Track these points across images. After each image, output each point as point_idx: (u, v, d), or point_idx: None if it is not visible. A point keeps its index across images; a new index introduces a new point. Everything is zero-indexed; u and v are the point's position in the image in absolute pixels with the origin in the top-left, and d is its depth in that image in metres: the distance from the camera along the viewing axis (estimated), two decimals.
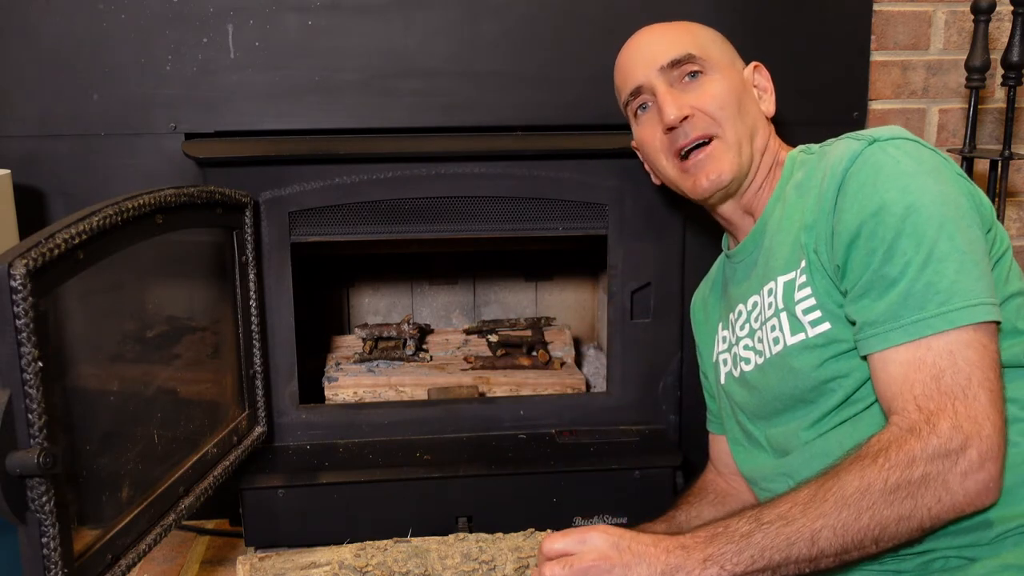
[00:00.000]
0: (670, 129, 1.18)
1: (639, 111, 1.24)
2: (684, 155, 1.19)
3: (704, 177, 1.17)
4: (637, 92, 1.22)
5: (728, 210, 1.22)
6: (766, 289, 1.14)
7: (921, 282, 0.97)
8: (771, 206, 1.18)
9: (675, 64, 1.18)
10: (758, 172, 1.19)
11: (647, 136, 1.23)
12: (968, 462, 0.92)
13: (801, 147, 1.20)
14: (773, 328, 1.12)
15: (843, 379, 1.06)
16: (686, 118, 1.17)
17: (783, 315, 1.10)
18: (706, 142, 1.18)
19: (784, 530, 0.94)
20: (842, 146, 1.06)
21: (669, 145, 1.20)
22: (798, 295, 1.09)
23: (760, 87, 1.24)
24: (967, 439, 0.92)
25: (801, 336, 1.08)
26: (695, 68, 1.18)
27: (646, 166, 1.32)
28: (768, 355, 1.14)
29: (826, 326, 1.06)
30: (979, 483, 0.93)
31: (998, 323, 0.98)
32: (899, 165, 1.01)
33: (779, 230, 1.13)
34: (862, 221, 1.00)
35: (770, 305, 1.13)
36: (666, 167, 1.22)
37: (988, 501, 0.95)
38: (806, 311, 1.08)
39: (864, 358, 1.03)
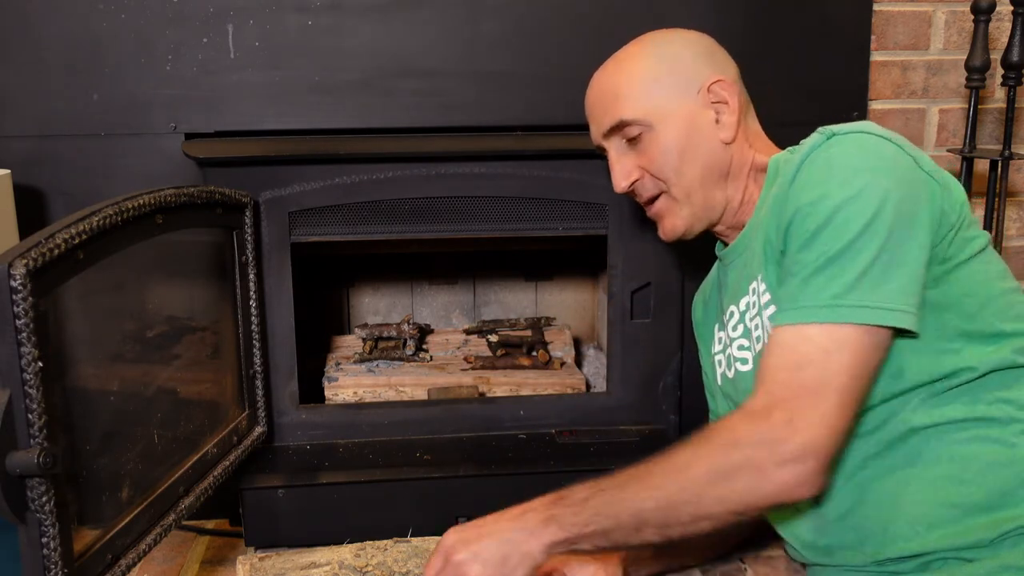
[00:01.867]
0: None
1: None
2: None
3: (661, 231, 1.26)
4: (600, 149, 1.28)
5: (718, 231, 1.26)
6: (751, 288, 1.15)
7: (825, 273, 0.97)
8: (758, 210, 1.18)
9: (613, 131, 1.22)
10: (730, 200, 1.21)
11: None
12: (786, 453, 0.94)
13: (788, 148, 1.20)
14: (757, 327, 1.13)
15: None
16: (636, 180, 1.22)
17: (765, 313, 1.11)
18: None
19: (617, 495, 1.00)
20: (807, 141, 1.07)
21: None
22: (761, 288, 1.11)
23: (720, 100, 1.19)
24: (794, 432, 0.94)
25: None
26: (632, 133, 1.20)
27: None
28: (754, 354, 1.15)
29: None
30: (794, 475, 0.95)
31: (898, 330, 0.98)
32: (849, 159, 1.01)
33: (759, 229, 1.14)
34: (798, 208, 1.01)
35: (754, 304, 1.14)
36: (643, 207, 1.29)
37: (804, 494, 0.97)
38: (764, 306, 1.10)
39: None
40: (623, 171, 1.22)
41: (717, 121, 1.19)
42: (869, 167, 1.00)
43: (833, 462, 0.98)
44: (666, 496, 0.98)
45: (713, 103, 1.19)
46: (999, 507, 0.98)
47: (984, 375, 1.01)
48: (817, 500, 1.08)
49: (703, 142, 1.19)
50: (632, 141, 1.21)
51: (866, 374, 0.98)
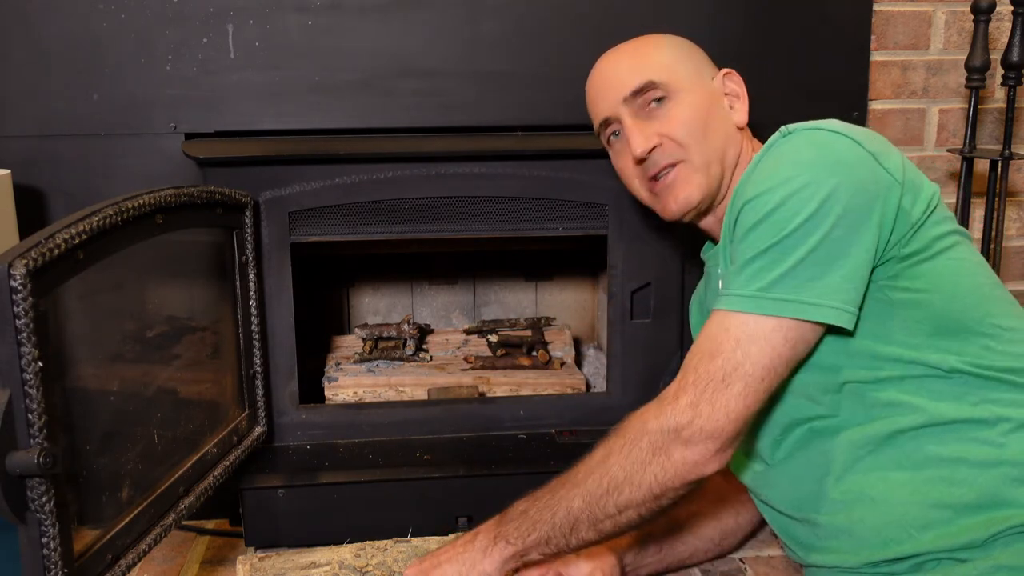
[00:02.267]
0: (640, 160, 1.20)
1: (612, 138, 1.26)
2: (655, 176, 1.21)
3: (672, 200, 1.20)
4: (607, 123, 1.25)
5: (707, 223, 1.25)
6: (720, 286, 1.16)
7: (756, 265, 0.99)
8: None
9: (637, 93, 1.19)
10: (731, 185, 1.20)
11: (621, 164, 1.26)
12: (687, 435, 0.99)
13: None
14: None
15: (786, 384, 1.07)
16: (654, 147, 1.19)
17: None
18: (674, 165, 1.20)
19: (550, 503, 1.07)
20: (770, 138, 1.09)
21: (642, 174, 1.22)
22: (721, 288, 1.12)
23: (732, 94, 1.23)
24: (695, 416, 0.99)
25: None
26: (658, 95, 1.19)
27: None
28: None
29: None
30: (695, 454, 1.00)
31: (821, 325, 1.00)
32: (798, 154, 1.02)
33: None
34: (745, 202, 1.02)
35: None
36: (640, 191, 1.25)
37: (707, 471, 1.01)
38: None
39: None
40: (643, 135, 1.18)
41: (731, 107, 1.22)
42: (816, 163, 1.00)
43: (736, 442, 1.02)
44: (589, 491, 1.04)
45: (725, 94, 1.22)
46: (990, 507, 0.98)
47: (963, 373, 1.01)
48: (813, 503, 1.08)
49: (720, 120, 1.20)
50: (656, 103, 1.18)
51: (779, 366, 1.00)
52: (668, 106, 1.18)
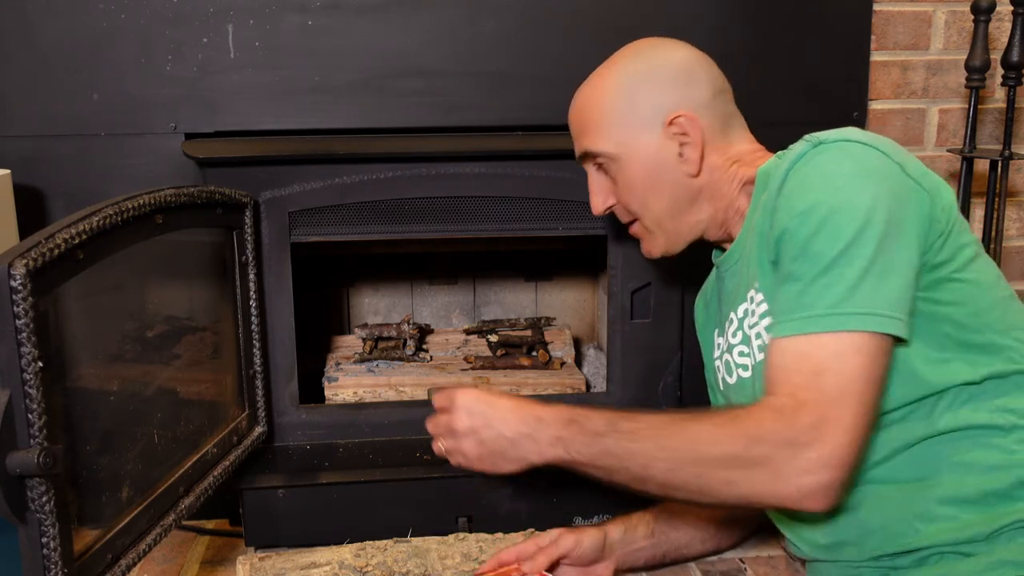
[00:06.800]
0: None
1: None
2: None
3: (643, 250, 1.27)
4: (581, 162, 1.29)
5: (712, 235, 1.24)
6: (748, 296, 1.15)
7: (820, 282, 0.97)
8: (749, 218, 1.18)
9: (584, 158, 1.25)
10: (712, 218, 1.21)
11: None
12: (808, 461, 0.94)
13: (776, 154, 1.18)
14: (759, 336, 1.13)
15: None
16: (612, 205, 1.25)
17: (764, 322, 1.11)
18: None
19: (629, 445, 1.02)
20: (794, 148, 1.07)
21: None
22: (758, 297, 1.11)
23: (681, 134, 1.17)
24: (817, 440, 0.93)
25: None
26: (598, 163, 1.22)
27: None
28: (754, 362, 1.15)
29: None
30: (813, 484, 0.94)
31: (896, 338, 0.98)
32: (838, 166, 1.01)
33: (751, 236, 1.14)
34: (790, 218, 1.01)
35: (752, 312, 1.14)
36: None
37: (821, 505, 0.96)
38: (762, 316, 1.10)
39: None
40: (600, 197, 1.25)
41: (680, 155, 1.17)
42: (857, 175, 1.00)
43: (851, 480, 0.98)
44: (678, 463, 1.00)
45: (676, 134, 1.17)
46: (995, 503, 0.99)
47: (980, 384, 1.01)
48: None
49: (667, 176, 1.18)
50: (602, 168, 1.23)
51: (879, 379, 0.97)
52: (612, 172, 1.22)
